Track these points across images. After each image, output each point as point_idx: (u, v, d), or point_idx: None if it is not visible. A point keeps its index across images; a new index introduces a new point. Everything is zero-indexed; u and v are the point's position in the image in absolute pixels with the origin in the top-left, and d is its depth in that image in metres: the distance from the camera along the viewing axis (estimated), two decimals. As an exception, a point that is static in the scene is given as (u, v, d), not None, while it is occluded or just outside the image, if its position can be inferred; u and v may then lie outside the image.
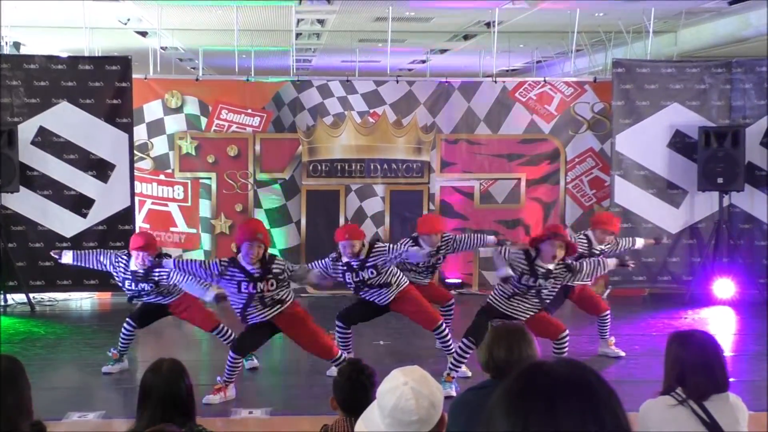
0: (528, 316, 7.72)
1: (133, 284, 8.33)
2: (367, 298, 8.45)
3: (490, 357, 4.16)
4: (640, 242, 9.81)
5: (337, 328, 8.55)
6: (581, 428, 1.38)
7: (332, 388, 4.22)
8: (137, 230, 12.03)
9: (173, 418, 3.91)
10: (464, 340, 7.70)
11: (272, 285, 7.64)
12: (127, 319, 8.58)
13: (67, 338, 10.11)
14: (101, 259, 8.47)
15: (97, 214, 11.86)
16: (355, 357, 4.71)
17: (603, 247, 9.11)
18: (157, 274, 8.21)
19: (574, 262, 7.92)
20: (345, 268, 8.35)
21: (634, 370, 8.68)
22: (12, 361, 3.72)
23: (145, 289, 8.34)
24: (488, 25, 15.04)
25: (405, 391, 2.84)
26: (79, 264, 8.61)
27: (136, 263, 8.21)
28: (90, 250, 8.79)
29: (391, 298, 8.38)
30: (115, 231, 11.62)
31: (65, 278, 11.72)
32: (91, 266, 8.59)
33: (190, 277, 7.88)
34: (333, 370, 7.99)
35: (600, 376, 1.47)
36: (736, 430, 3.88)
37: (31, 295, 11.70)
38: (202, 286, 7.94)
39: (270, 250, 8.15)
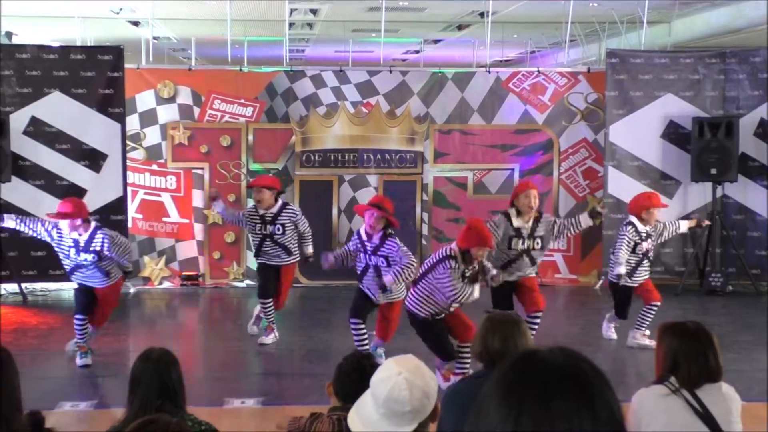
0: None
1: (77, 254, 8.20)
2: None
3: (484, 347, 4.16)
4: (684, 225, 9.64)
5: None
6: (575, 417, 1.38)
7: (334, 374, 4.18)
8: (129, 220, 12.04)
9: (164, 406, 3.91)
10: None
11: (279, 230, 9.07)
12: (76, 315, 8.45)
13: (59, 328, 10.09)
14: (39, 229, 8.33)
15: (89, 204, 11.63)
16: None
17: (648, 229, 9.07)
18: (101, 244, 8.20)
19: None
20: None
21: (628, 360, 8.75)
22: (0, 350, 3.68)
23: (87, 260, 8.22)
24: (482, 15, 15.07)
25: (399, 381, 2.85)
26: (20, 229, 8.49)
27: (69, 230, 8.15)
28: (34, 218, 8.65)
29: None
30: (108, 221, 11.51)
31: (57, 268, 11.56)
32: (33, 232, 8.43)
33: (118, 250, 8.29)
34: (263, 339, 9.31)
35: (593, 365, 1.47)
36: (729, 419, 3.90)
37: (23, 285, 11.71)
38: (124, 259, 8.43)
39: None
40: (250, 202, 12.25)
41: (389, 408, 2.87)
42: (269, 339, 9.42)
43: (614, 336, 9.45)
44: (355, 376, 4.06)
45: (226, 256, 12.57)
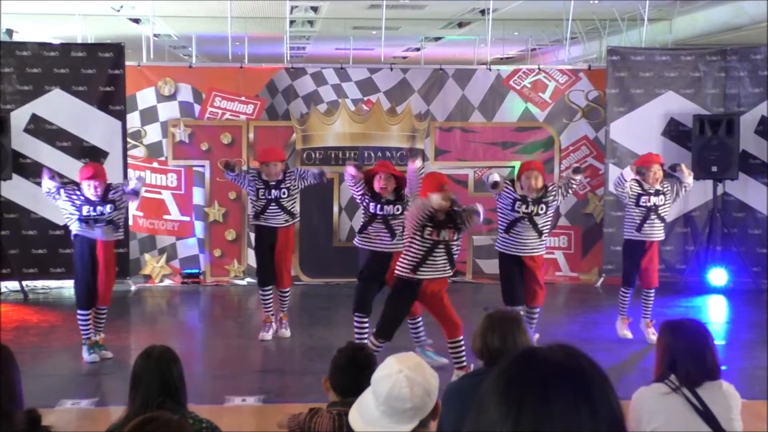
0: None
1: (91, 209, 8.34)
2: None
3: (484, 345, 4.19)
4: (689, 179, 9.53)
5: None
6: (574, 414, 1.38)
7: (330, 368, 4.21)
8: (130, 218, 12.05)
9: (165, 404, 3.93)
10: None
11: (284, 194, 9.31)
12: (79, 311, 8.58)
13: (60, 326, 10.14)
14: (59, 194, 8.44)
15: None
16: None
17: (659, 186, 9.20)
18: (112, 193, 8.46)
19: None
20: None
21: (628, 357, 8.76)
22: (0, 348, 3.74)
23: (104, 212, 8.37)
24: (483, 12, 15.09)
25: (399, 379, 2.87)
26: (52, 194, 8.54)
27: (88, 193, 8.32)
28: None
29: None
30: None
31: (58, 266, 11.74)
32: (53, 196, 8.54)
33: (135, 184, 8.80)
34: (263, 335, 9.51)
35: (594, 362, 1.47)
36: (729, 417, 3.93)
37: (24, 283, 11.73)
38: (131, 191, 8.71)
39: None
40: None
41: (390, 405, 2.88)
42: (269, 335, 9.48)
43: (630, 335, 9.39)
44: (350, 369, 4.09)
45: (227, 254, 12.60)
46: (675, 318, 4.29)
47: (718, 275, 12.12)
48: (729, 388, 4.03)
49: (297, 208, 9.72)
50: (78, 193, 8.40)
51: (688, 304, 11.29)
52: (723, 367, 4.09)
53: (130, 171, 11.62)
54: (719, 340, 9.19)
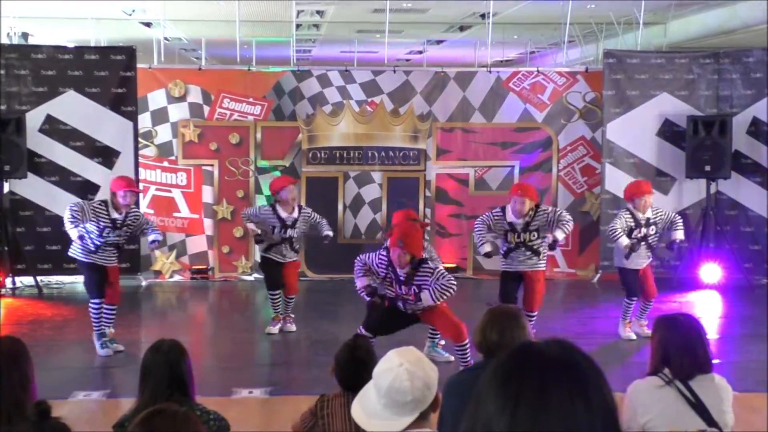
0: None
1: (111, 232, 8.61)
2: (400, 306, 7.82)
3: (483, 338, 4.23)
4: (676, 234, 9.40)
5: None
6: (569, 407, 1.40)
7: (334, 361, 4.40)
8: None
9: (173, 396, 3.96)
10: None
11: (296, 234, 9.47)
12: (92, 300, 8.72)
13: (73, 320, 10.26)
14: (82, 226, 8.57)
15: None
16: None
17: (650, 215, 9.20)
18: (133, 214, 8.78)
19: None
20: (390, 271, 7.71)
21: (623, 352, 8.87)
22: (15, 341, 3.92)
23: (121, 235, 8.71)
24: (483, 16, 15.21)
25: (400, 373, 2.92)
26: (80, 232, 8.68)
27: (122, 202, 8.58)
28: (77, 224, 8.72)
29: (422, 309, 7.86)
30: None
31: (72, 262, 11.82)
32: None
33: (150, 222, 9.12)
34: (269, 329, 9.69)
35: (588, 356, 1.50)
36: (721, 409, 3.99)
37: (38, 278, 11.89)
38: (151, 231, 9.01)
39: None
40: (259, 199, 12.54)
41: (391, 398, 2.92)
42: (275, 329, 9.68)
43: (633, 336, 9.36)
44: (350, 364, 4.27)
45: (235, 251, 12.80)
46: (669, 313, 4.34)
47: (711, 271, 12.29)
48: (721, 381, 4.06)
49: (300, 246, 10.02)
50: (105, 213, 8.60)
51: (681, 299, 11.40)
52: (715, 361, 4.15)
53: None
54: (712, 335, 9.34)
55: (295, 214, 9.46)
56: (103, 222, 8.57)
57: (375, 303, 7.76)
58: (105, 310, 8.80)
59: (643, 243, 9.20)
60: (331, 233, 9.77)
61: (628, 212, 9.23)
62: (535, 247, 8.69)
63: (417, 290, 7.54)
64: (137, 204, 9.44)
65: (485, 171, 13.05)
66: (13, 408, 3.57)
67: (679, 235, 9.29)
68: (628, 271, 9.32)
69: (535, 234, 8.66)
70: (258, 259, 11.74)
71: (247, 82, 12.72)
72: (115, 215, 8.60)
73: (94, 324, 8.76)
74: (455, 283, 7.60)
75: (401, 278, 7.57)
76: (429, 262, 7.66)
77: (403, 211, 8.95)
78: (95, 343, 8.77)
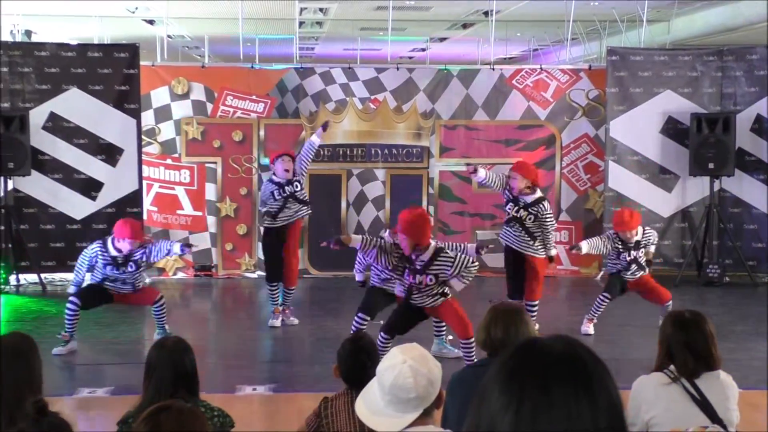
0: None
1: (114, 269, 8.60)
2: (414, 302, 7.76)
3: (487, 336, 4.23)
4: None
5: (356, 323, 8.11)
6: (574, 404, 1.40)
7: (336, 358, 4.40)
8: (145, 213, 12.30)
9: (177, 393, 3.96)
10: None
11: (297, 186, 9.66)
12: (71, 298, 8.66)
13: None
14: (84, 270, 8.82)
15: (106, 197, 12.08)
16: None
17: (639, 237, 9.24)
18: (138, 253, 8.63)
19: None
20: (405, 261, 7.69)
21: (627, 349, 8.86)
22: (24, 337, 3.93)
23: (126, 272, 8.62)
24: (486, 14, 15.20)
25: (404, 369, 2.92)
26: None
27: (122, 248, 8.52)
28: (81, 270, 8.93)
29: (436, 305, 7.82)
30: (124, 213, 11.65)
31: (75, 259, 11.79)
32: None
33: (162, 244, 8.93)
34: (272, 322, 9.81)
35: (593, 353, 1.49)
36: (726, 406, 4.00)
37: (42, 276, 11.92)
38: (169, 245, 8.98)
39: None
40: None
41: (394, 395, 2.93)
42: (278, 321, 9.76)
43: (591, 331, 9.46)
44: (352, 360, 4.27)
45: (238, 248, 12.82)
46: (675, 310, 4.31)
47: (714, 269, 12.27)
48: (726, 378, 4.07)
49: (306, 197, 10.01)
50: (105, 252, 8.60)
51: (685, 296, 11.32)
52: (720, 358, 4.13)
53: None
54: (715, 332, 9.35)
55: (290, 177, 9.68)
56: (104, 260, 8.60)
57: (338, 241, 7.96)
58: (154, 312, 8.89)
59: (633, 265, 9.27)
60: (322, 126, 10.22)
61: (615, 236, 9.31)
62: (530, 228, 8.96)
63: (434, 279, 7.50)
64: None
65: (488, 168, 12.90)
66: (15, 405, 3.57)
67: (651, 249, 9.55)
68: (618, 276, 9.41)
69: (532, 218, 8.92)
70: (262, 257, 11.63)
71: (250, 80, 12.73)
72: (114, 253, 8.58)
73: (68, 326, 8.65)
74: (477, 264, 7.73)
75: (418, 267, 7.51)
76: (448, 251, 7.60)
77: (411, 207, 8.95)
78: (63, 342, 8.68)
